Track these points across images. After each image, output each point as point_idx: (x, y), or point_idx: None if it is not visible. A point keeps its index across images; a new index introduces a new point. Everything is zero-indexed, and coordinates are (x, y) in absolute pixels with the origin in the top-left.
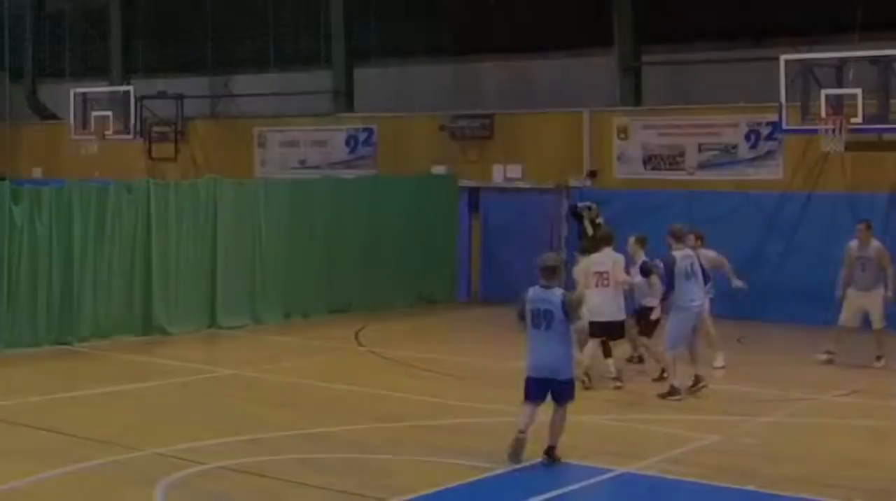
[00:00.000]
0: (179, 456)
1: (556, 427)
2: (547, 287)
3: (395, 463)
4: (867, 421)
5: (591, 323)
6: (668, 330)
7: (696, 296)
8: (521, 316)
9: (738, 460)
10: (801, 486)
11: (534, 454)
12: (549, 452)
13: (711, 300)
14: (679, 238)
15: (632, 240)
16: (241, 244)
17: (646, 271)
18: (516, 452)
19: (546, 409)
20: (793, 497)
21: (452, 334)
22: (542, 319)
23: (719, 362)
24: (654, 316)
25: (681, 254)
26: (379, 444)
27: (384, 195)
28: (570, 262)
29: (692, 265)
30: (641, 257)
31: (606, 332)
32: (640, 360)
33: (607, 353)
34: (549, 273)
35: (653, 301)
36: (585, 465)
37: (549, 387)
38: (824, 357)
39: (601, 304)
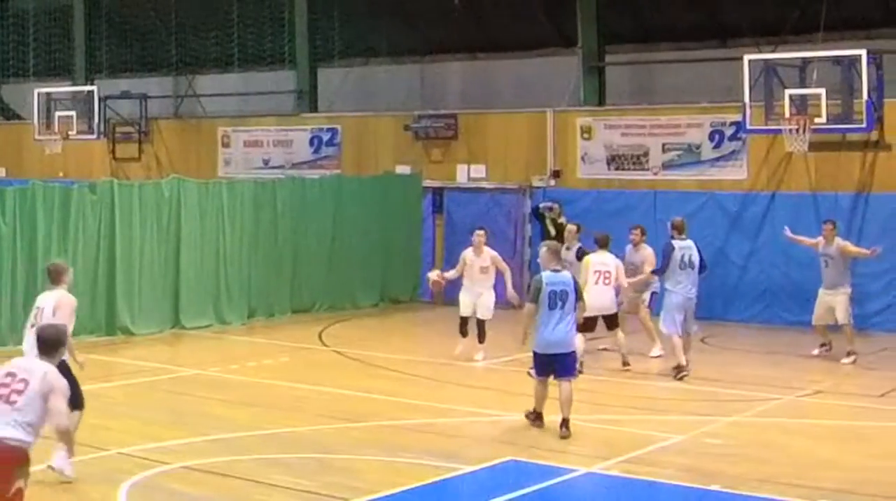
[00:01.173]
0: (144, 456)
1: (567, 400)
2: (558, 270)
3: (360, 463)
4: (831, 421)
5: (588, 318)
6: (662, 314)
7: (685, 284)
8: (534, 300)
9: (703, 460)
10: (766, 486)
11: (498, 453)
12: (565, 424)
13: (654, 294)
14: (680, 230)
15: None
16: (205, 244)
17: (581, 256)
18: (539, 421)
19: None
20: (757, 497)
21: (416, 334)
22: (558, 299)
23: (656, 351)
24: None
25: (680, 244)
26: (343, 444)
27: (348, 195)
28: (534, 261)
29: (690, 256)
30: (576, 244)
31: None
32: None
33: None
34: (558, 257)
35: None
36: (549, 465)
37: (555, 361)
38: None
39: (599, 300)
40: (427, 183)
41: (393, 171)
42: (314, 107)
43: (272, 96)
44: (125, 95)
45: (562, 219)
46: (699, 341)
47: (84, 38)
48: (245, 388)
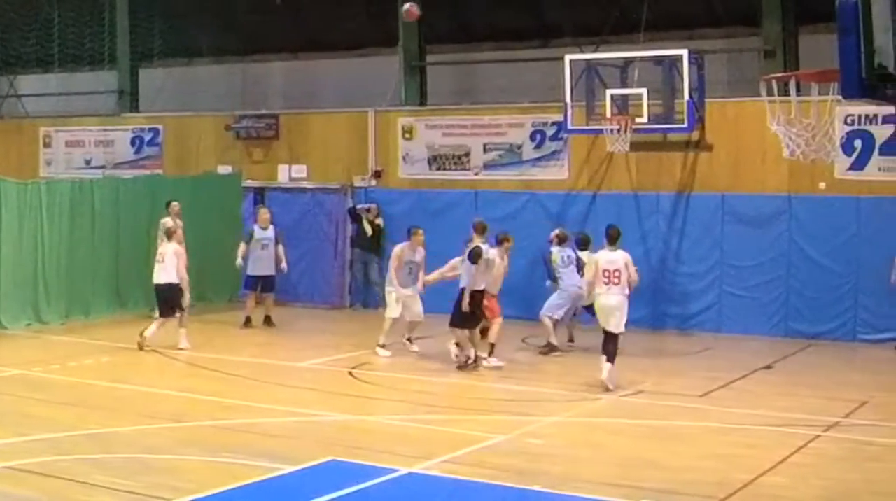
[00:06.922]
0: None
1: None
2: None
3: (181, 463)
4: (653, 421)
5: None
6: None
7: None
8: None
9: (525, 460)
10: (588, 486)
11: (320, 453)
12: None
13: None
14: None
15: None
16: (24, 244)
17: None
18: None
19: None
20: (579, 497)
21: (237, 334)
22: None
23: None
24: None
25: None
26: (165, 444)
27: (166, 194)
28: (357, 261)
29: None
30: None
31: None
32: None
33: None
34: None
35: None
36: (370, 465)
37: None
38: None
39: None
40: (248, 183)
41: (214, 171)
42: (136, 108)
43: (94, 96)
44: None
45: (378, 220)
46: (520, 340)
47: None
48: (66, 388)
